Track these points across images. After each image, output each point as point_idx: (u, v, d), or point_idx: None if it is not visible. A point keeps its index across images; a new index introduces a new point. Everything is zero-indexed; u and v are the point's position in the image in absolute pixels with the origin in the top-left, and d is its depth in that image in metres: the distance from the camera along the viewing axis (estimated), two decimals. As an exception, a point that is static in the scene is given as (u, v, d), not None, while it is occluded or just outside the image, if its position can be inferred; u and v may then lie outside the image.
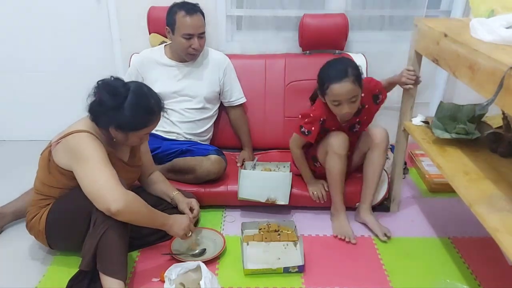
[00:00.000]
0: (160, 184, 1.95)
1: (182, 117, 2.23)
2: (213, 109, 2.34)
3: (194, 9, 2.11)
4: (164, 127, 2.22)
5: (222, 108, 2.41)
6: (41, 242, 1.75)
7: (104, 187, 1.48)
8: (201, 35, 2.14)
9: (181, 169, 2.09)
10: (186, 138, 2.25)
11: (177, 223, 1.70)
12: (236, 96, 2.35)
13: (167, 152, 2.14)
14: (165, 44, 2.28)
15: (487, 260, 1.82)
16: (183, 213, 1.87)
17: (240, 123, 2.39)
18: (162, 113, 1.67)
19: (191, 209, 1.89)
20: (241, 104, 2.38)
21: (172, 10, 2.12)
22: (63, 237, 1.69)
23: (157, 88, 2.18)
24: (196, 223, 1.98)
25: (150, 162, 1.97)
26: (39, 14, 2.57)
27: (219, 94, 2.33)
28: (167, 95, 2.19)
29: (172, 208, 1.91)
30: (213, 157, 2.09)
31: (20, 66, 2.70)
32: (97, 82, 1.56)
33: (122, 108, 1.54)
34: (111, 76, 1.59)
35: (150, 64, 2.23)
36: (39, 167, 1.69)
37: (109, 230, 1.51)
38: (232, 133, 2.44)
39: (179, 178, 2.10)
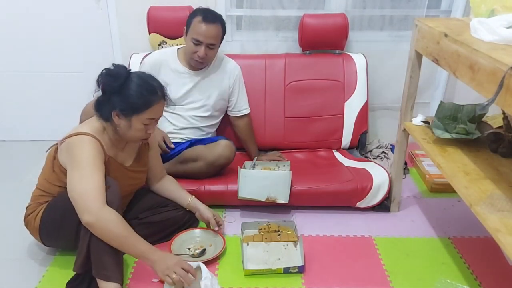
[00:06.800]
0: (174, 191, 1.91)
1: (188, 123, 2.22)
2: (220, 116, 2.34)
3: (213, 19, 2.06)
4: (170, 130, 2.22)
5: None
6: (35, 238, 1.75)
7: (82, 195, 1.46)
8: (211, 46, 2.08)
9: (191, 157, 2.09)
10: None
11: (164, 262, 1.48)
12: (242, 106, 2.32)
13: (172, 152, 2.15)
14: (179, 47, 2.24)
15: (487, 260, 1.82)
16: (206, 222, 1.88)
17: (247, 133, 2.36)
18: (165, 101, 1.63)
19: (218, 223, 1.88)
20: (247, 114, 2.35)
21: (194, 12, 2.11)
22: (55, 236, 1.68)
23: None
24: (197, 224, 1.98)
25: (160, 167, 1.93)
26: (39, 14, 2.56)
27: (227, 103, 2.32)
28: (176, 101, 2.17)
29: (177, 210, 1.89)
30: (224, 141, 2.09)
31: (19, 66, 2.69)
32: (99, 74, 1.56)
33: (124, 88, 1.53)
34: (113, 64, 1.58)
35: (162, 68, 2.18)
36: (45, 164, 1.70)
37: None
38: (233, 135, 2.42)
39: (188, 167, 2.09)
